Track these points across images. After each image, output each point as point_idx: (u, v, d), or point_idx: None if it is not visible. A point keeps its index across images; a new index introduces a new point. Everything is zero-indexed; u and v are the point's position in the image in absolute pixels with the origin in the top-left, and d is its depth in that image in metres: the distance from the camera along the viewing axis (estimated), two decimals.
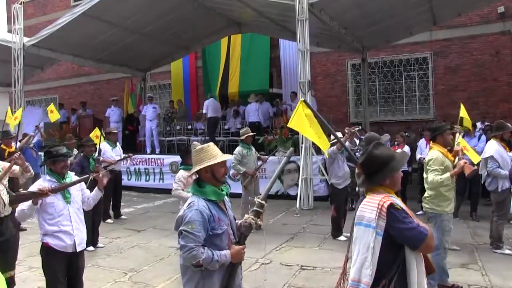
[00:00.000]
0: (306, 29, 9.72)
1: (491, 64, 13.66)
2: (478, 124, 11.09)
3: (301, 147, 9.85)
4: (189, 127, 14.89)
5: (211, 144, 2.98)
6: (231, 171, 11.64)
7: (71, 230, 3.94)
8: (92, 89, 20.82)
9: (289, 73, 15.58)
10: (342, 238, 7.02)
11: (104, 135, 9.12)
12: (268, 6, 10.78)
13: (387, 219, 2.43)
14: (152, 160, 13.15)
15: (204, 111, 13.66)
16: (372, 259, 2.44)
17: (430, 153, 5.19)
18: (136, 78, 17.67)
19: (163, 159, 12.94)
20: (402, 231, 2.43)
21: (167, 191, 11.92)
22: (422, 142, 9.15)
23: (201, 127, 14.44)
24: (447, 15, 12.46)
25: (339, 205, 7.26)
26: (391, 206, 2.45)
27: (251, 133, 8.41)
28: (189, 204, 2.78)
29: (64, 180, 4.02)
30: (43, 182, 3.96)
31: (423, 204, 5.30)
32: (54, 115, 11.42)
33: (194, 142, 8.40)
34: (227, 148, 13.55)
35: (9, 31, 16.52)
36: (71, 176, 4.15)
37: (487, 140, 9.34)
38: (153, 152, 14.27)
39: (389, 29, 12.47)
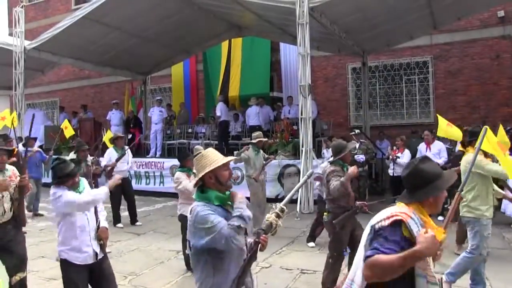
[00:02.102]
0: (307, 33, 9.73)
1: (491, 68, 13.67)
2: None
3: (302, 150, 9.85)
4: (190, 130, 14.90)
5: (210, 149, 2.97)
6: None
7: (89, 240, 3.82)
8: (93, 92, 20.84)
9: (289, 76, 15.60)
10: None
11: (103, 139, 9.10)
12: (269, 9, 10.80)
13: (381, 229, 2.27)
14: (153, 163, 13.15)
15: (218, 113, 13.62)
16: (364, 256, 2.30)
17: (467, 156, 4.96)
18: (136, 82, 17.70)
19: (163, 162, 12.94)
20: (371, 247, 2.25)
21: (168, 195, 11.99)
22: (422, 146, 9.13)
23: (202, 131, 14.45)
24: (447, 19, 12.48)
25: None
26: (397, 222, 2.26)
27: (263, 138, 8.55)
28: (191, 210, 2.73)
29: (78, 190, 3.88)
30: (62, 190, 3.84)
31: (459, 208, 5.07)
32: (69, 131, 11.57)
33: (196, 146, 8.37)
34: (228, 152, 13.54)
35: (10, 34, 16.54)
36: (84, 183, 4.03)
37: None
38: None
39: (390, 33, 12.49)
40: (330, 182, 4.90)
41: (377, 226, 2.30)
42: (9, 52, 13.41)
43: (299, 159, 10.05)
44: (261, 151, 8.55)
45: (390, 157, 9.25)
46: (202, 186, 2.83)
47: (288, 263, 6.17)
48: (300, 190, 9.67)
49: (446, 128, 6.38)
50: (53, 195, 3.79)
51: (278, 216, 2.70)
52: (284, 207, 2.74)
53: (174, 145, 14.62)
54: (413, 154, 9.35)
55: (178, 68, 17.88)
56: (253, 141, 8.35)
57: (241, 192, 2.83)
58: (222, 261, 2.65)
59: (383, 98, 15.35)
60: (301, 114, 9.88)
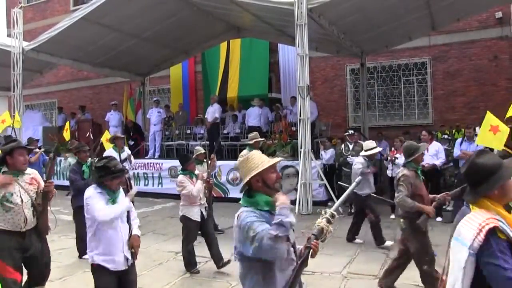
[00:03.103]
0: (305, 34, 9.74)
1: (489, 69, 13.70)
2: (477, 129, 11.08)
3: (300, 151, 9.85)
4: (188, 131, 14.89)
5: (255, 151, 2.84)
6: (230, 175, 11.67)
7: (122, 247, 3.73)
8: (91, 93, 20.82)
9: (288, 77, 15.60)
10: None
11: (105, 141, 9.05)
12: (267, 11, 10.81)
13: (481, 247, 2.13)
14: (151, 164, 13.14)
15: (211, 116, 13.62)
16: (463, 280, 2.18)
17: None
18: (135, 83, 17.69)
19: (162, 163, 12.94)
20: (491, 268, 2.11)
21: (166, 196, 11.98)
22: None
23: (200, 132, 14.45)
24: (446, 20, 12.51)
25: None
26: (493, 231, 2.13)
27: (260, 138, 8.48)
28: (238, 216, 2.61)
29: (115, 195, 3.76)
30: (97, 194, 3.72)
31: None
32: (67, 135, 11.66)
33: (197, 147, 8.35)
34: (227, 153, 13.54)
35: (9, 35, 16.54)
36: (121, 191, 3.89)
37: None
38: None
39: (388, 34, 12.51)
40: (398, 190, 4.80)
41: (476, 245, 2.15)
42: (7, 53, 13.40)
43: (297, 160, 10.05)
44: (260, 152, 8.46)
45: (389, 158, 9.25)
46: (249, 190, 2.69)
47: None
48: (299, 191, 9.67)
49: (488, 134, 6.13)
50: (87, 197, 3.70)
51: (329, 221, 2.62)
52: (335, 213, 2.65)
53: (173, 146, 14.60)
54: None
55: (177, 69, 17.88)
56: (250, 142, 8.28)
57: (285, 196, 2.67)
58: (271, 270, 2.53)
59: (381, 99, 15.37)
60: (300, 115, 9.88)
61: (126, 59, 15.11)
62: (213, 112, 13.75)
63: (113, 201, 3.72)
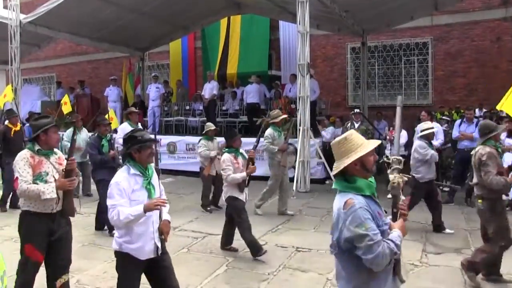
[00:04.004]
0: (307, 11, 9.63)
1: (491, 51, 13.59)
2: (477, 111, 11.09)
3: (299, 129, 9.85)
4: (187, 107, 14.84)
5: (353, 132, 2.61)
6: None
7: (153, 233, 3.36)
8: (90, 68, 20.67)
9: (288, 55, 15.48)
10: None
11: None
12: None
13: None
14: None
15: (208, 93, 13.56)
16: None
17: None
18: (134, 58, 17.55)
19: (160, 139, 12.92)
20: None
21: (165, 171, 12.00)
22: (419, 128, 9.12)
23: (199, 108, 14.41)
24: (449, 0, 12.35)
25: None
26: None
27: (284, 115, 8.06)
28: (346, 203, 2.41)
29: (147, 172, 3.40)
30: (129, 178, 3.32)
31: None
32: (67, 107, 11.51)
33: (208, 123, 8.21)
34: (226, 130, 13.52)
35: (5, 7, 16.30)
36: (153, 168, 3.53)
37: None
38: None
39: (390, 13, 12.36)
40: (485, 170, 4.55)
41: None
42: (4, 25, 13.23)
43: (296, 138, 10.06)
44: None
45: (388, 137, 9.26)
46: (344, 173, 2.51)
47: (283, 241, 6.23)
48: (297, 168, 9.70)
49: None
50: (115, 183, 3.30)
51: (399, 171, 2.57)
52: (401, 158, 2.60)
53: (171, 122, 14.58)
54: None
55: (176, 45, 17.72)
56: (274, 120, 7.76)
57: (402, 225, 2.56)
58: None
59: (381, 78, 15.30)
60: (300, 93, 9.86)
61: (125, 33, 14.95)
62: (210, 88, 13.69)
63: (148, 183, 3.37)
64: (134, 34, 15.18)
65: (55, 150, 4.05)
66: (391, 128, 9.48)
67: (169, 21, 14.66)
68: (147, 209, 3.19)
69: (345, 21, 12.17)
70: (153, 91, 14.65)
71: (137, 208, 3.19)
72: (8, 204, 8.27)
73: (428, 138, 6.87)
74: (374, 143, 2.52)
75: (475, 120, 8.72)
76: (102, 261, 5.44)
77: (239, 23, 16.00)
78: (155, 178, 3.47)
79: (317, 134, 11.37)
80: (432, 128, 7.07)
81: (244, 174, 5.62)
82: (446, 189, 9.09)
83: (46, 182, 3.78)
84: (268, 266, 5.26)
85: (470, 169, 8.45)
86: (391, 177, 2.55)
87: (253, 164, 5.78)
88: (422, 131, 6.84)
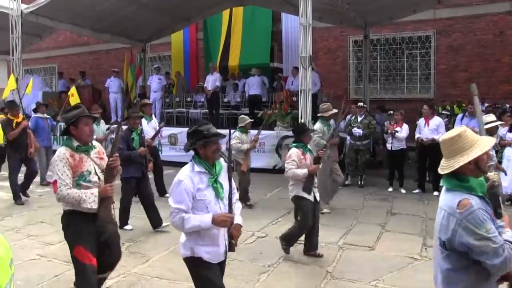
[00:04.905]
0: (309, 3, 9.56)
1: (494, 45, 13.54)
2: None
3: (300, 122, 9.83)
4: (188, 99, 14.83)
5: (466, 128, 2.46)
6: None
7: (223, 235, 3.14)
8: (91, 59, 20.64)
9: (290, 47, 15.45)
10: None
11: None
12: None
13: None
14: None
15: (211, 85, 13.53)
16: None
17: None
18: (136, 49, 17.50)
19: (162, 130, 12.90)
20: None
21: (166, 163, 11.95)
22: (421, 121, 9.13)
23: (201, 100, 14.39)
24: None
25: None
26: None
27: (334, 110, 7.69)
28: (461, 203, 2.28)
29: (214, 169, 3.12)
30: (193, 176, 3.04)
31: None
32: (75, 99, 11.53)
33: (242, 116, 7.96)
34: (227, 122, 13.53)
35: None
36: (222, 163, 3.23)
37: None
38: None
39: (393, 6, 12.29)
40: None
41: None
42: (5, 15, 13.18)
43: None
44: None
45: (389, 131, 9.26)
46: (455, 172, 2.36)
47: None
48: None
49: None
50: (178, 182, 3.03)
51: (494, 167, 2.49)
52: (492, 153, 2.51)
53: (173, 113, 14.57)
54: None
55: (178, 36, 17.66)
56: (324, 114, 7.51)
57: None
58: (488, 274, 2.30)
59: (383, 72, 15.26)
60: (301, 86, 9.83)
61: (127, 25, 14.89)
62: (213, 80, 13.66)
63: (215, 181, 3.09)
64: (135, 25, 15.12)
65: (94, 143, 3.72)
66: (392, 122, 9.46)
67: (170, 12, 14.59)
68: (215, 224, 2.97)
69: (348, 14, 12.10)
70: (155, 83, 14.66)
71: (205, 219, 2.96)
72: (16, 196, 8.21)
73: (491, 132, 6.48)
74: (489, 142, 2.39)
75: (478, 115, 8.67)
76: None
77: (241, 15, 15.93)
78: (223, 175, 3.16)
79: None
80: (496, 120, 6.71)
81: (305, 171, 5.20)
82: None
83: (89, 181, 3.50)
84: (269, 258, 5.28)
85: None
86: (490, 175, 2.41)
87: (318, 163, 5.43)
88: (485, 124, 6.32)
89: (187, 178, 3.02)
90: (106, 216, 3.55)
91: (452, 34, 14.11)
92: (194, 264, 3.09)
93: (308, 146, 5.57)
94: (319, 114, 7.67)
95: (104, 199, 3.50)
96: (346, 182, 9.62)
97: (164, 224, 6.44)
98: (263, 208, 7.71)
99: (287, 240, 5.38)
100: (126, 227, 6.53)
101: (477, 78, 13.63)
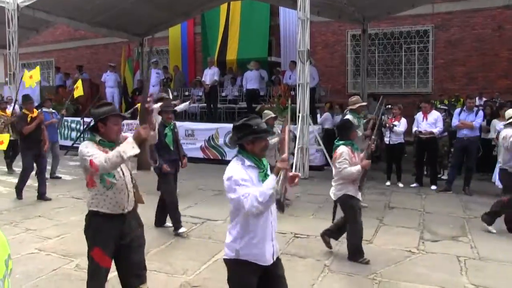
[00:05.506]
0: None
1: (492, 39, 13.54)
2: (476, 100, 11.08)
3: (298, 116, 9.84)
4: (186, 93, 14.81)
5: None
6: (228, 138, 11.72)
7: (272, 233, 2.93)
8: (89, 53, 20.57)
9: (288, 41, 15.42)
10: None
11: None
12: None
13: None
14: None
15: (209, 79, 13.49)
16: None
17: None
18: (133, 43, 17.45)
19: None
20: None
21: None
22: (419, 116, 9.14)
23: (199, 94, 14.37)
24: None
25: None
26: None
27: (364, 103, 7.57)
28: None
29: (263, 165, 2.92)
30: (244, 170, 2.81)
31: None
32: (79, 91, 11.52)
33: (266, 111, 7.71)
34: (225, 116, 13.52)
35: None
36: (267, 162, 3.03)
37: (485, 116, 9.37)
38: None
39: (391, 0, 12.28)
40: None
41: None
42: (2, 9, 13.11)
43: (295, 124, 10.05)
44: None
45: (387, 125, 9.26)
46: None
47: (282, 227, 6.24)
48: (296, 155, 9.70)
49: None
50: (231, 175, 2.78)
51: None
52: None
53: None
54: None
55: (176, 30, 17.61)
56: (352, 107, 7.42)
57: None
58: None
59: (381, 66, 15.26)
60: (299, 80, 9.83)
61: (124, 19, 14.82)
62: (212, 74, 13.62)
63: (265, 175, 2.87)
64: (133, 20, 15.05)
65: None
66: (390, 116, 9.46)
67: (168, 6, 14.52)
68: (276, 172, 2.63)
69: (346, 8, 12.09)
70: (153, 77, 14.64)
71: (268, 182, 2.64)
72: (21, 193, 8.04)
73: None
74: None
75: (475, 109, 8.70)
76: None
77: (239, 9, 15.89)
78: (269, 171, 2.94)
79: (316, 121, 11.38)
80: None
81: (359, 167, 4.89)
82: (445, 177, 9.13)
83: (113, 176, 3.29)
84: None
85: (469, 157, 8.53)
86: None
87: (370, 158, 5.21)
88: (509, 118, 6.23)
89: (240, 170, 2.80)
90: (144, 162, 3.29)
91: (450, 29, 14.11)
92: (238, 267, 2.86)
93: (355, 144, 5.22)
94: (349, 107, 7.59)
95: (141, 145, 3.20)
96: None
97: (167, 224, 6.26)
98: None
99: (355, 246, 5.04)
100: (180, 230, 5.93)
101: (475, 72, 13.67)
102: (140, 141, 3.11)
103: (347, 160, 4.91)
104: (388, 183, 9.20)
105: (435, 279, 4.48)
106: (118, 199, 3.31)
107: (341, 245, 5.40)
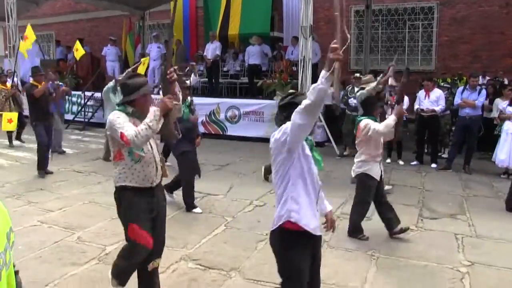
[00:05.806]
0: None
1: (499, 16, 13.33)
2: (480, 79, 10.99)
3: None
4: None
5: None
6: (229, 113, 11.71)
7: (315, 204, 2.79)
8: (90, 26, 20.34)
9: (291, 17, 15.24)
10: None
11: None
12: None
13: None
14: None
15: (211, 54, 13.37)
16: None
17: None
18: (134, 17, 17.25)
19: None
20: None
21: None
22: (421, 93, 9.10)
23: (200, 68, 14.28)
24: None
25: None
26: None
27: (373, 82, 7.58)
28: None
29: (309, 140, 2.80)
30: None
31: None
32: (79, 53, 11.42)
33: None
34: (226, 91, 13.47)
35: None
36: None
37: (487, 95, 9.31)
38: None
39: None
40: None
41: None
42: None
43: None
44: None
45: (389, 102, 9.21)
46: None
47: None
48: None
49: None
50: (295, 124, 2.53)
51: None
52: None
53: None
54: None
55: (178, 4, 17.35)
56: (366, 86, 7.08)
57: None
58: None
59: (385, 43, 15.10)
60: (301, 55, 9.76)
61: None
62: (213, 49, 13.51)
63: (312, 146, 2.79)
64: None
65: None
66: (392, 94, 9.41)
67: None
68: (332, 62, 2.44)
69: None
70: (155, 51, 14.50)
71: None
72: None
73: None
74: None
75: (477, 88, 8.64)
76: (103, 219, 5.51)
77: None
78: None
79: None
80: None
81: (393, 116, 4.79)
82: (445, 156, 9.14)
83: (142, 150, 3.17)
84: (267, 227, 5.32)
85: (470, 136, 8.52)
86: None
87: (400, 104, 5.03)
88: None
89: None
90: (169, 133, 3.25)
91: (455, 5, 13.90)
92: (284, 235, 2.66)
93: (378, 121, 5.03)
94: (361, 86, 7.60)
95: (166, 116, 3.14)
96: (344, 153, 9.65)
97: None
98: (261, 177, 7.74)
99: (354, 222, 5.08)
100: (195, 210, 5.91)
101: (480, 51, 13.52)
102: (164, 111, 3.07)
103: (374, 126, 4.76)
104: (388, 160, 9.22)
105: (432, 256, 4.54)
106: (146, 172, 3.20)
107: (340, 221, 5.44)
